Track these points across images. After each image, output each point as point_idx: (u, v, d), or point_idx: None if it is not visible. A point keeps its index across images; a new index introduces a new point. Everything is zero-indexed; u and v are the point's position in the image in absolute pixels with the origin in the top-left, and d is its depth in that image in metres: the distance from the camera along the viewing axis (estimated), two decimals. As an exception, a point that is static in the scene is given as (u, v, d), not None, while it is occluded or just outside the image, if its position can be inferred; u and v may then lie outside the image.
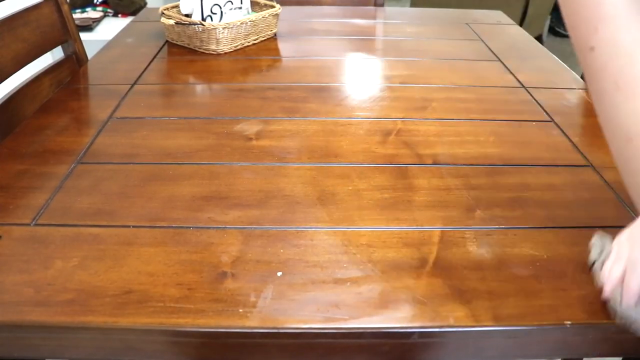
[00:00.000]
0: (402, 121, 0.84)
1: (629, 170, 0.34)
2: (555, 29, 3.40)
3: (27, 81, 1.00)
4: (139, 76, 1.01)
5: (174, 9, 1.22)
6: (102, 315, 0.48)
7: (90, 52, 1.17)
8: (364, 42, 1.25)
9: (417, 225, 0.60)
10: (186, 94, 0.96)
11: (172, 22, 1.14)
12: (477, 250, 0.56)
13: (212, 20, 1.16)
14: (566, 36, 0.37)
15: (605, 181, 0.69)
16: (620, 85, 0.33)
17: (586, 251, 0.53)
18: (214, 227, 0.59)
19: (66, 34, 1.13)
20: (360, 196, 0.65)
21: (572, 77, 1.03)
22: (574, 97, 0.95)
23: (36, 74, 1.03)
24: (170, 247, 0.56)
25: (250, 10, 1.26)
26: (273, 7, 1.24)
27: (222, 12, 1.17)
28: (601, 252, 0.50)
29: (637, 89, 0.32)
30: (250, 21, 1.15)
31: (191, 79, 1.02)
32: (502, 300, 0.50)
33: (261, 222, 0.60)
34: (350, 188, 0.67)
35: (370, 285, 0.51)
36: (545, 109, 0.89)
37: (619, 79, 0.33)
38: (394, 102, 0.92)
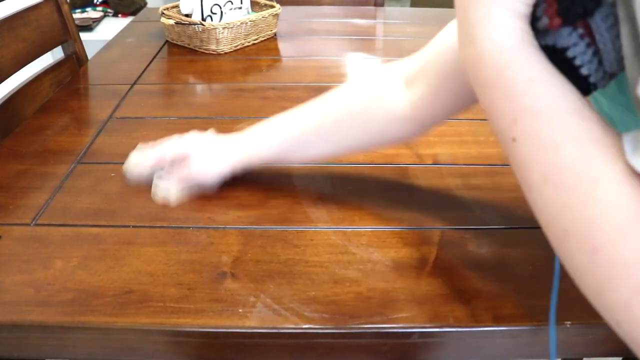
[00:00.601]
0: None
1: (571, 266, 0.32)
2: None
3: (27, 81, 1.00)
4: (139, 76, 1.01)
5: (174, 9, 1.22)
6: (102, 315, 0.48)
7: (90, 52, 1.17)
8: (364, 42, 1.25)
9: (417, 225, 0.60)
10: (186, 94, 0.96)
11: (172, 22, 1.14)
12: (477, 250, 0.56)
13: (212, 20, 1.16)
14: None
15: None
16: (548, 177, 0.32)
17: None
18: (214, 227, 0.59)
19: (66, 34, 1.13)
20: (360, 196, 0.65)
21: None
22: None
23: (36, 74, 1.03)
24: (170, 247, 0.56)
25: (250, 10, 1.26)
26: (273, 7, 1.24)
27: (222, 12, 1.17)
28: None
29: (566, 181, 0.31)
30: (250, 21, 1.15)
31: (191, 79, 1.02)
32: (502, 300, 0.50)
33: (261, 222, 0.60)
34: (350, 188, 0.67)
35: (370, 285, 0.51)
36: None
37: (545, 170, 0.32)
38: (394, 102, 0.91)
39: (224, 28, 1.11)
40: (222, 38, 1.12)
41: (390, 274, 0.53)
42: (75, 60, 1.15)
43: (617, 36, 0.32)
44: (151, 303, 0.49)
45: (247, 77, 1.02)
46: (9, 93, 0.95)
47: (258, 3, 1.29)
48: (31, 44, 1.02)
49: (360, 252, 0.56)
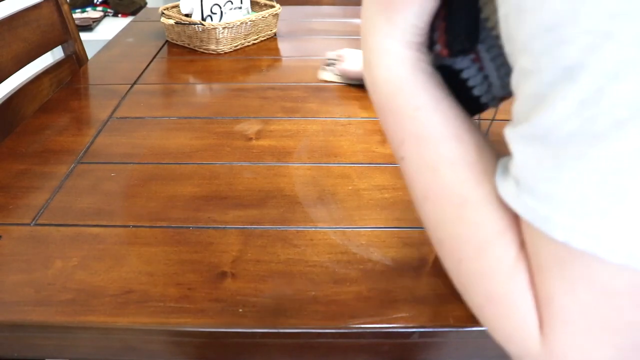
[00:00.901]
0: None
1: (445, 267, 0.35)
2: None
3: (27, 81, 1.00)
4: (139, 76, 1.01)
5: (174, 9, 1.22)
6: (102, 315, 0.48)
7: (90, 52, 1.17)
8: (364, 42, 1.25)
9: (417, 225, 0.60)
10: (186, 94, 0.96)
11: (172, 22, 1.14)
12: (477, 250, 0.56)
13: (212, 20, 1.16)
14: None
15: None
16: (427, 195, 0.35)
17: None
18: (214, 227, 0.59)
19: (66, 34, 1.13)
20: (360, 196, 0.65)
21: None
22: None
23: (36, 74, 1.03)
24: (170, 247, 0.56)
25: (250, 10, 1.26)
26: (273, 7, 1.24)
27: (222, 12, 1.17)
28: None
29: (441, 200, 0.34)
30: (250, 21, 1.15)
31: (191, 79, 1.02)
32: (502, 300, 0.50)
33: (261, 222, 0.60)
34: (350, 188, 0.67)
35: (370, 285, 0.51)
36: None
37: (426, 189, 0.35)
38: (394, 102, 0.92)
39: (224, 28, 1.11)
40: (222, 38, 1.12)
41: (390, 274, 0.53)
42: (75, 60, 1.15)
43: (502, 65, 0.35)
44: (151, 303, 0.49)
45: (247, 77, 1.02)
46: (9, 93, 0.96)
47: (258, 3, 1.29)
48: (31, 43, 1.02)
49: (360, 252, 0.56)
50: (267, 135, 0.79)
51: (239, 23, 1.13)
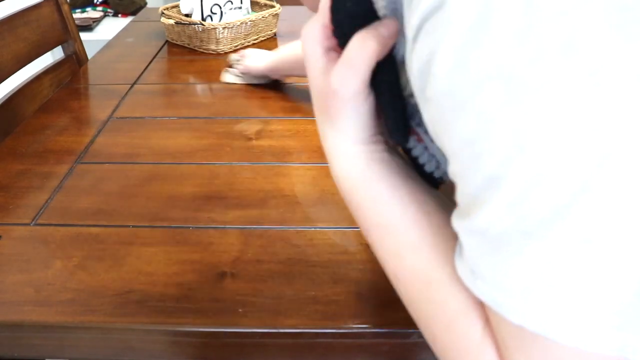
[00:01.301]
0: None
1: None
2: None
3: (27, 81, 1.00)
4: (139, 76, 1.01)
5: (174, 9, 1.22)
6: (102, 315, 0.48)
7: (90, 52, 1.17)
8: (364, 42, 1.25)
9: (417, 225, 0.60)
10: (186, 94, 0.96)
11: (172, 22, 1.14)
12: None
13: (212, 20, 1.16)
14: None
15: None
16: (398, 277, 0.36)
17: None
18: (214, 227, 0.59)
19: (66, 34, 1.13)
20: (360, 196, 0.65)
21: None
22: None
23: (36, 74, 1.03)
24: (170, 247, 0.56)
25: (250, 10, 1.26)
26: (273, 7, 1.24)
27: (222, 12, 1.17)
28: None
29: (409, 282, 0.36)
30: (250, 21, 1.15)
31: (191, 79, 1.02)
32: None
33: (261, 222, 0.60)
34: (350, 188, 0.66)
35: (370, 286, 0.51)
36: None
37: (395, 272, 0.37)
38: (394, 102, 0.91)
39: (224, 28, 1.11)
40: (222, 38, 1.12)
41: (390, 274, 0.53)
42: (75, 60, 1.15)
43: None
44: (151, 303, 0.49)
45: (247, 77, 1.02)
46: (9, 93, 0.96)
47: (258, 3, 1.29)
48: (31, 43, 1.02)
49: (360, 252, 0.56)
50: (267, 135, 0.79)
51: (239, 23, 1.13)
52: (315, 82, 0.38)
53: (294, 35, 1.26)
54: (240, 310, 0.49)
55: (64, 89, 0.96)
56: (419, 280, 0.35)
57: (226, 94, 0.95)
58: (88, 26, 2.13)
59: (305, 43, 0.37)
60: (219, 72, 1.05)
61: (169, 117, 0.85)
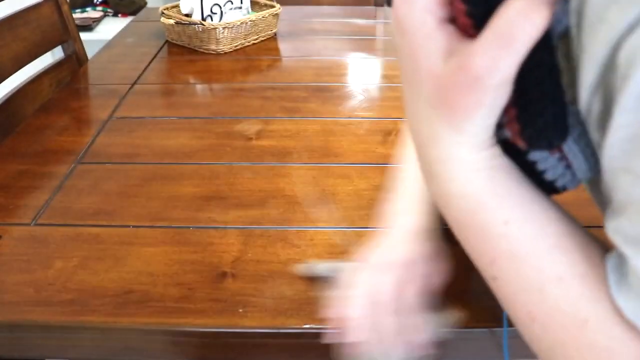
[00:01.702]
0: (403, 121, 0.84)
1: None
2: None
3: (27, 81, 1.00)
4: (139, 76, 1.01)
5: (174, 9, 1.22)
6: (102, 315, 0.48)
7: (90, 52, 1.17)
8: (364, 42, 1.25)
9: (417, 225, 0.60)
10: (186, 94, 0.96)
11: (172, 21, 1.14)
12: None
13: (212, 20, 1.16)
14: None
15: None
16: (535, 316, 0.30)
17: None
18: (214, 227, 0.59)
19: (66, 34, 1.13)
20: (360, 196, 0.65)
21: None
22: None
23: (36, 74, 1.03)
24: (171, 247, 0.56)
25: (250, 10, 1.26)
26: (273, 7, 1.24)
27: (222, 11, 1.17)
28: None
29: (554, 321, 0.29)
30: (250, 21, 1.15)
31: (191, 79, 1.02)
32: (502, 300, 0.50)
33: (261, 222, 0.60)
34: (350, 188, 0.67)
35: (370, 285, 0.51)
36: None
37: (532, 310, 0.30)
38: (394, 102, 0.92)
39: (224, 28, 1.11)
40: (222, 38, 1.12)
41: (390, 274, 0.53)
42: (75, 60, 1.15)
43: (587, 145, 0.29)
44: (151, 303, 0.49)
45: (247, 77, 1.02)
46: (9, 93, 0.96)
47: (258, 3, 1.29)
48: (31, 43, 1.02)
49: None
50: (267, 135, 0.79)
51: (239, 23, 1.13)
52: (429, 66, 0.28)
53: (294, 35, 1.27)
54: (240, 310, 0.49)
55: (64, 89, 0.96)
56: (569, 318, 0.28)
57: (226, 94, 0.95)
58: (88, 26, 2.13)
59: (405, 11, 0.27)
60: (219, 72, 1.05)
61: (169, 117, 0.86)
